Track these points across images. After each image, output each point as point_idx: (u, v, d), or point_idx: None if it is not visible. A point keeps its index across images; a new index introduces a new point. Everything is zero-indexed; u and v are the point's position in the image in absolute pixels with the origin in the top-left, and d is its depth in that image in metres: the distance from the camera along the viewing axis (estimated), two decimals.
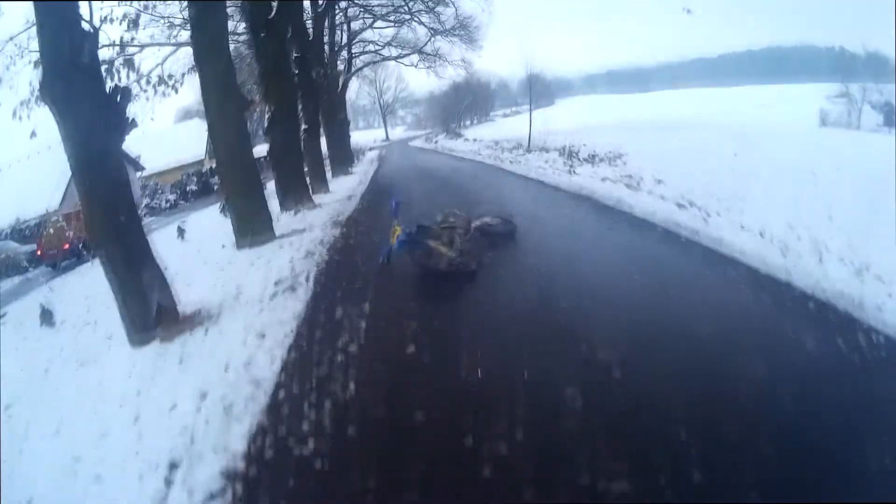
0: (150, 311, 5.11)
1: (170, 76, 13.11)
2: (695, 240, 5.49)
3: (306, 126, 14.60)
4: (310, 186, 12.96)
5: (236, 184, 8.73)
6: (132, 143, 24.98)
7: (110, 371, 4.92)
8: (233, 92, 8.68)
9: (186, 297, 5.85)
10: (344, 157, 21.83)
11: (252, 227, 8.52)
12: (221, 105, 8.41)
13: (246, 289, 5.89)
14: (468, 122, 36.65)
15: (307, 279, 5.96)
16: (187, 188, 27.93)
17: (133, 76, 11.57)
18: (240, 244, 8.50)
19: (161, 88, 12.66)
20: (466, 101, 35.83)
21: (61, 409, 4.36)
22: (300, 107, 13.73)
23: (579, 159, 13.23)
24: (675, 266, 4.89)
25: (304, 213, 11.04)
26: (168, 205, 27.03)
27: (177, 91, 13.13)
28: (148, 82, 12.65)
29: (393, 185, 14.90)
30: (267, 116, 11.56)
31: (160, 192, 27.91)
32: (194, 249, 10.19)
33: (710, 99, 45.45)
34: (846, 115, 31.74)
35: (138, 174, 28.20)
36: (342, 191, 14.56)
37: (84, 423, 3.99)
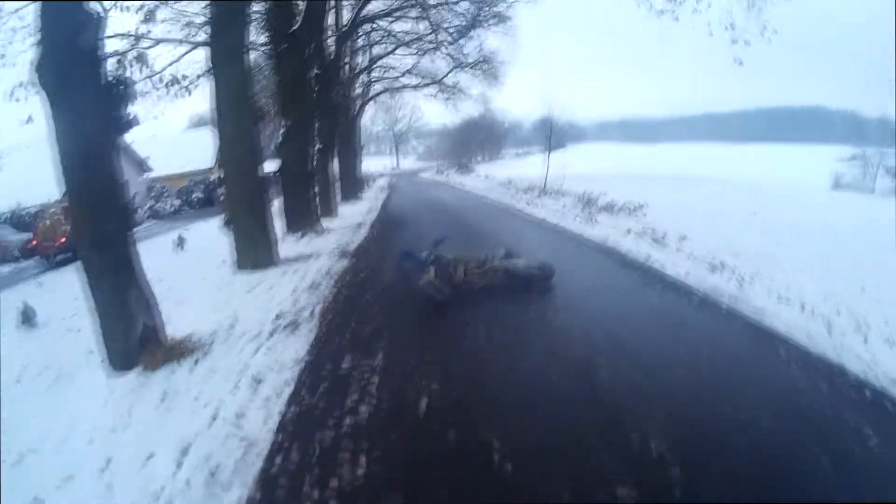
0: (134, 334, 4.56)
1: (184, 76, 12.61)
2: (736, 308, 5.03)
3: (321, 146, 14.18)
4: (318, 209, 12.51)
5: (241, 200, 8.21)
6: (143, 145, 25.10)
7: (85, 395, 4.39)
8: (246, 101, 8.25)
9: (178, 317, 5.36)
10: (354, 183, 21.57)
11: (254, 249, 8.03)
12: (233, 114, 7.95)
13: (243, 319, 5.38)
14: (479, 159, 36.66)
15: (312, 315, 5.44)
16: (193, 195, 27.62)
17: (145, 71, 11.12)
18: (240, 265, 8.01)
19: (174, 89, 12.23)
20: (480, 137, 35.88)
21: (29, 433, 3.86)
22: (316, 126, 13.34)
23: (597, 207, 12.92)
24: (726, 342, 4.37)
25: (310, 237, 10.58)
26: (172, 209, 26.68)
27: (189, 93, 12.72)
28: (161, 80, 12.20)
29: (404, 216, 14.50)
30: (281, 132, 11.23)
31: (166, 195, 27.61)
32: (192, 262, 9.72)
33: (719, 155, 46.03)
34: (861, 178, 31.85)
35: (145, 175, 28.01)
36: (352, 217, 14.17)
37: (50, 457, 3.53)
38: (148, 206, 26.08)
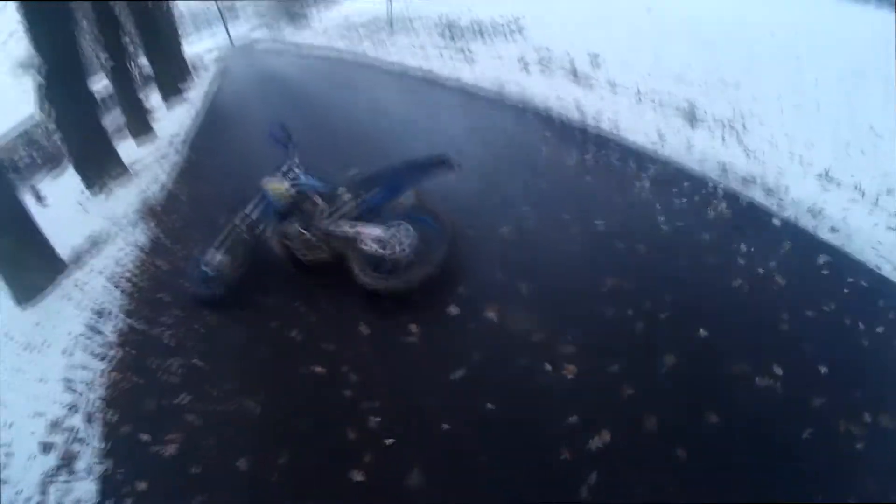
0: None
1: None
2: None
3: (113, 62, 10.46)
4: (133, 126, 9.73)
5: None
6: None
7: None
8: None
9: None
10: (175, 76, 16.12)
11: (23, 272, 4.92)
12: None
13: None
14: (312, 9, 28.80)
15: (89, 421, 2.93)
16: None
17: None
18: (18, 299, 4.87)
19: None
20: None
21: None
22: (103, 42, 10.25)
23: (464, 34, 10.17)
24: None
25: (108, 190, 7.45)
26: None
27: None
28: None
29: (238, 113, 10.49)
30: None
31: None
32: None
33: None
34: None
35: None
36: (171, 129, 10.18)
37: None
38: None
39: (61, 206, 7.84)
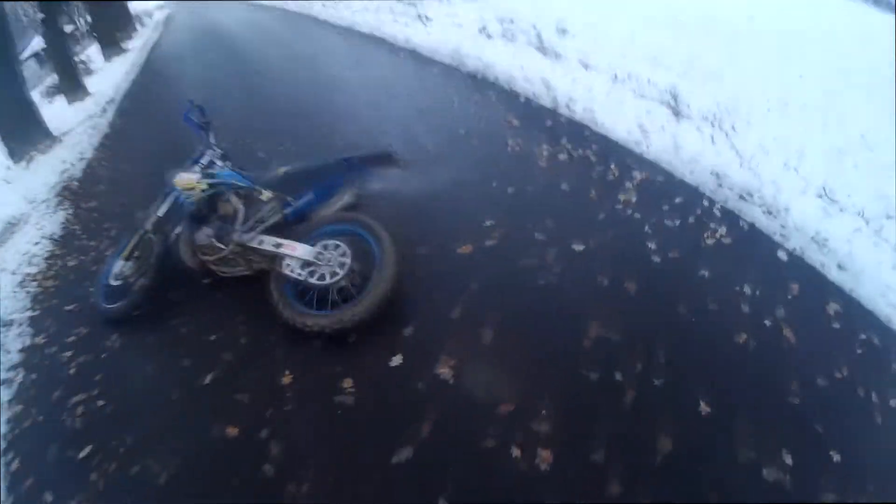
0: None
1: None
2: None
3: (42, 14, 9.73)
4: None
5: None
6: None
7: None
8: None
9: None
10: (114, 28, 14.80)
11: None
12: None
13: None
14: None
15: None
16: None
17: None
18: None
19: None
20: None
21: None
22: None
23: None
24: None
25: (37, 160, 6.85)
26: None
27: None
28: None
29: (174, 71, 9.18)
30: None
31: None
32: None
33: None
34: None
35: None
36: (106, 87, 9.44)
37: None
38: None
39: None
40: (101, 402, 2.59)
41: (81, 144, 6.59)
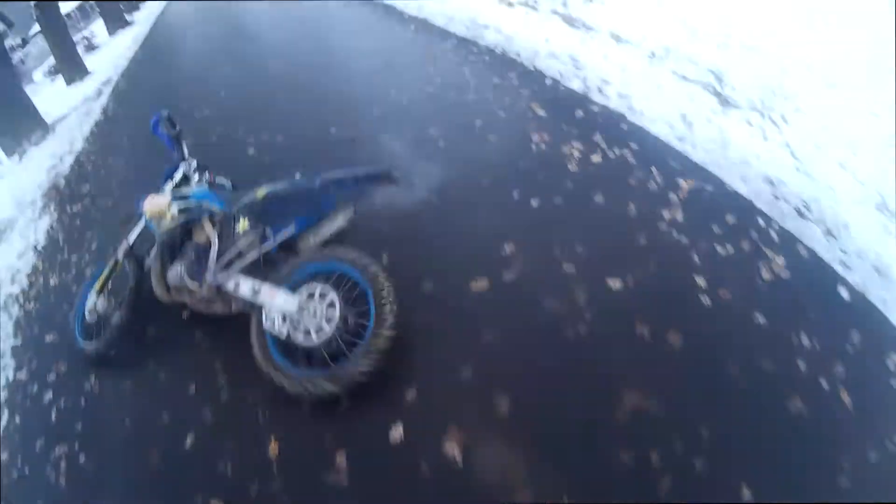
0: None
1: None
2: None
3: None
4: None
5: None
6: None
7: None
8: None
9: None
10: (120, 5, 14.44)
11: None
12: None
13: None
14: None
15: None
16: None
17: None
18: None
19: None
20: None
21: None
22: None
23: None
24: None
25: (29, 154, 6.61)
26: None
27: None
28: None
29: (177, 43, 8.67)
30: None
31: None
32: None
33: None
34: None
35: None
36: (106, 65, 9.16)
37: None
38: None
39: None
40: (82, 458, 2.40)
41: (72, 133, 6.35)
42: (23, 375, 3.02)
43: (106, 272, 2.74)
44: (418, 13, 5.91)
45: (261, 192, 2.36)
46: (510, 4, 5.47)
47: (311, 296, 2.10)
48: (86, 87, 8.29)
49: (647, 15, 4.80)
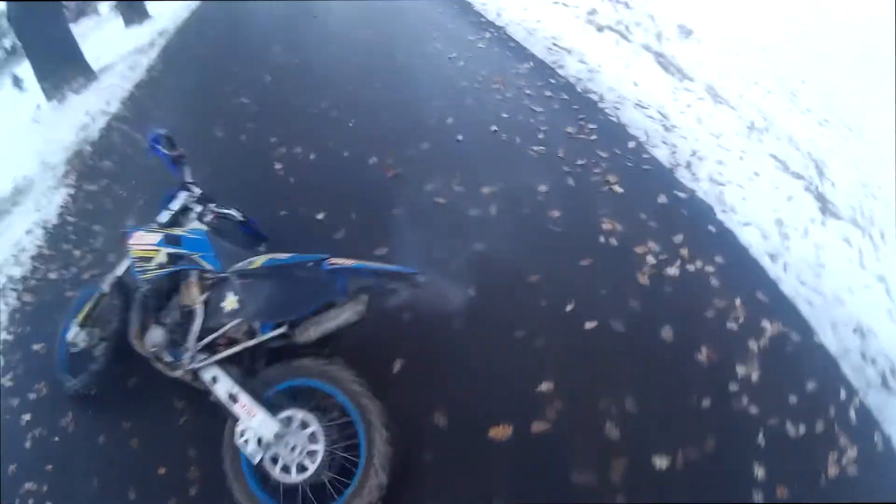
0: None
1: None
2: None
3: None
4: None
5: None
6: None
7: None
8: None
9: None
10: None
11: None
12: None
13: None
14: None
15: None
16: None
17: None
18: None
19: None
20: None
21: None
22: None
23: None
24: None
25: (68, 101, 6.45)
26: None
27: None
28: None
29: (242, 12, 8.01)
30: None
31: None
32: None
33: None
34: None
35: None
36: (164, 16, 8.72)
37: None
38: None
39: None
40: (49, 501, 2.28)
41: (112, 90, 6.11)
42: (8, 381, 2.87)
43: (90, 305, 2.48)
44: (496, 19, 5.31)
45: (259, 260, 2.00)
46: (599, 29, 4.82)
47: (290, 421, 1.76)
48: (142, 32, 8.03)
49: (745, 65, 4.18)
